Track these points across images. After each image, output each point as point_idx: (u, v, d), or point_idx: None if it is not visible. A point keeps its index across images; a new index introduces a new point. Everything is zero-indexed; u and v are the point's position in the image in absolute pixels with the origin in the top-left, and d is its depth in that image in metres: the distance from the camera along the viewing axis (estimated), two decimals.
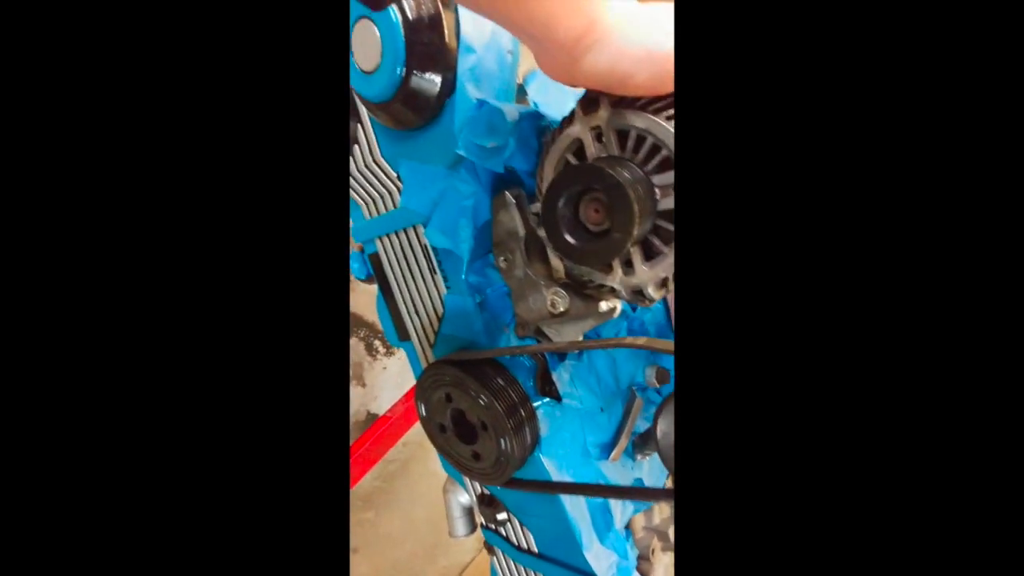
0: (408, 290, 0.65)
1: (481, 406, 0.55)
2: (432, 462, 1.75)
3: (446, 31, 0.42)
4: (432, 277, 0.61)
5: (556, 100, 0.56)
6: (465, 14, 0.43)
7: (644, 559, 0.74)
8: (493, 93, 0.46)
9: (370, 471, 1.48)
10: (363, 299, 1.64)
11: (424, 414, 0.62)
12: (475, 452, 0.58)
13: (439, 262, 0.59)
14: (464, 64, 0.44)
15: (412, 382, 1.82)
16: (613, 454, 0.64)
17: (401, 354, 1.78)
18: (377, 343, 1.67)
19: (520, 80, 0.53)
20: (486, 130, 0.43)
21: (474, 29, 0.43)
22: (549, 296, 0.47)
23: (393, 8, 0.42)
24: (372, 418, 1.62)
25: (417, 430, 1.71)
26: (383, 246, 0.65)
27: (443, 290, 0.60)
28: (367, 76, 0.46)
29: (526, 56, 0.48)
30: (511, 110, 0.42)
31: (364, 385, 1.64)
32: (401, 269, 0.64)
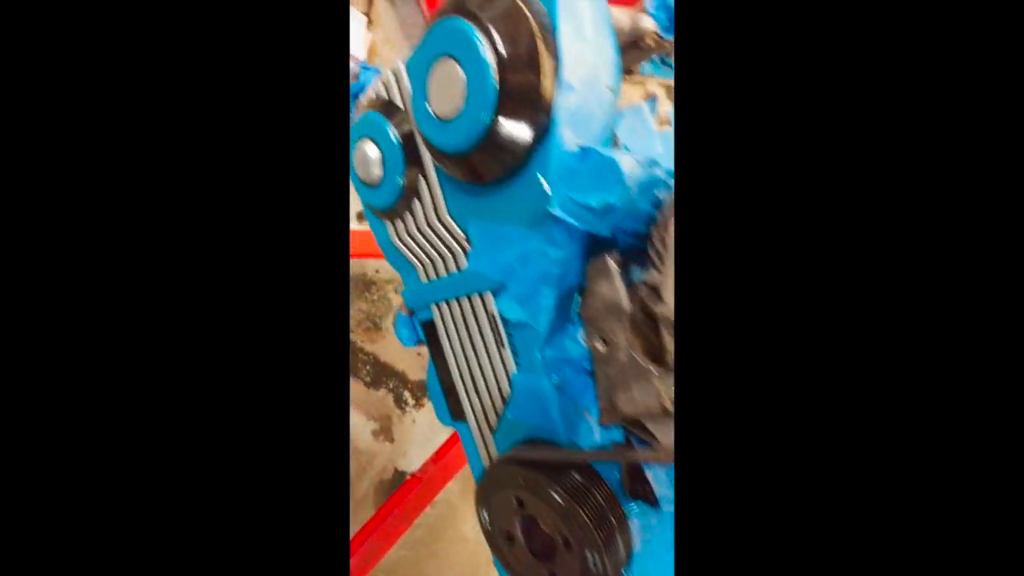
0: (468, 365, 0.55)
1: (561, 514, 0.45)
2: (464, 525, 1.61)
3: (544, 69, 0.34)
4: (499, 352, 0.51)
5: (645, 145, 0.48)
6: (567, 45, 0.35)
7: None
8: (593, 138, 0.38)
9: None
10: (393, 346, 1.56)
11: (487, 521, 0.51)
12: (552, 573, 0.47)
13: (509, 335, 0.50)
14: (561, 105, 0.36)
15: (443, 438, 1.70)
16: None
17: (432, 407, 1.68)
18: (407, 394, 1.58)
19: None
20: (593, 185, 0.35)
21: (574, 63, 0.35)
22: (663, 389, 0.37)
23: (481, 42, 0.35)
24: (400, 477, 1.50)
25: (448, 489, 1.57)
26: (440, 313, 0.56)
27: (512, 368, 0.51)
28: (443, 123, 0.39)
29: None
30: (628, 161, 0.33)
31: (392, 440, 1.53)
32: (460, 341, 0.55)
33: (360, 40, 1.57)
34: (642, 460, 0.37)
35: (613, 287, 0.38)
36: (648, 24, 0.36)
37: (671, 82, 0.56)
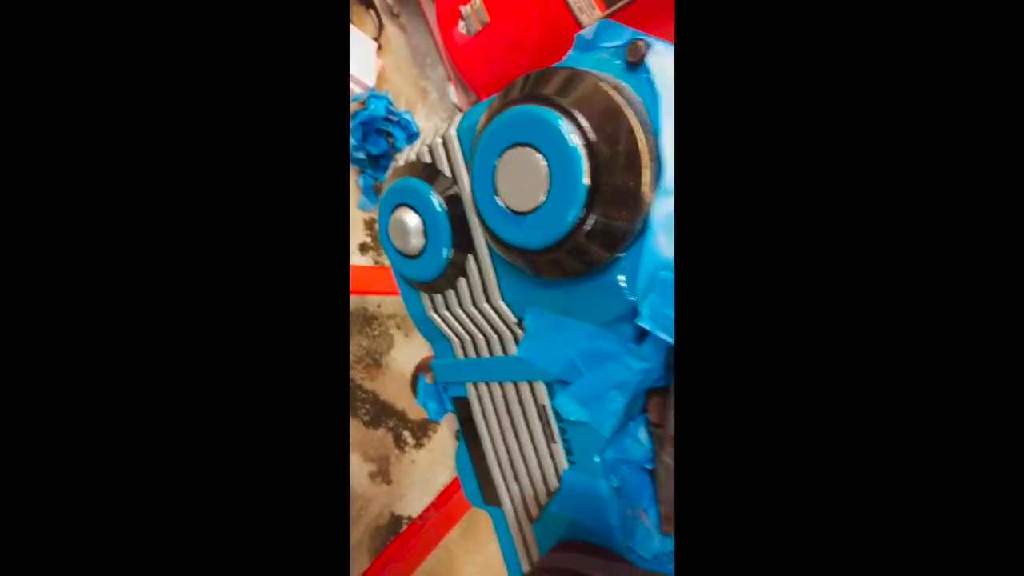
0: (508, 453, 0.51)
1: None
2: (462, 572, 1.53)
3: (645, 173, 0.31)
4: (548, 446, 0.47)
5: None
6: (667, 145, 0.31)
7: None
8: None
9: None
10: (394, 384, 1.50)
11: None
12: None
13: (562, 430, 0.45)
14: (660, 210, 0.32)
15: (444, 479, 1.63)
16: None
17: (432, 445, 1.61)
18: (406, 434, 1.51)
19: None
20: None
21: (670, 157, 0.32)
22: None
23: (567, 130, 0.31)
24: (397, 521, 1.43)
25: (448, 536, 1.51)
26: (478, 394, 0.51)
27: (562, 463, 0.47)
28: (516, 216, 0.35)
29: None
30: None
31: (390, 482, 1.46)
32: (502, 427, 0.50)
33: (370, 66, 1.53)
34: None
35: None
36: None
37: None
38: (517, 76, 0.35)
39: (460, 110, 1.75)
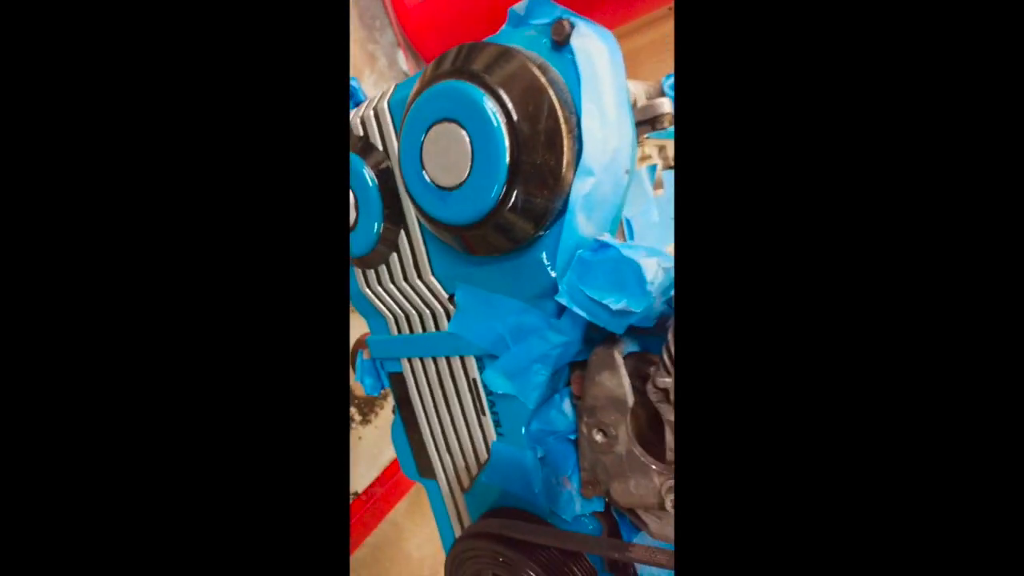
0: (442, 426, 0.52)
1: None
2: (408, 543, 1.56)
3: (565, 152, 0.31)
4: (479, 419, 0.48)
5: (644, 212, 0.46)
6: (589, 127, 0.32)
7: None
8: (602, 223, 0.35)
9: None
10: None
11: None
12: None
13: (491, 403, 0.47)
14: (579, 189, 0.33)
15: (390, 455, 1.64)
16: None
17: (379, 422, 1.61)
18: (352, 411, 1.50)
19: None
20: (610, 285, 0.32)
21: (596, 147, 0.33)
22: (663, 487, 0.35)
23: (491, 109, 0.31)
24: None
25: (395, 508, 1.52)
26: (412, 369, 0.52)
27: (492, 436, 0.48)
28: (442, 192, 0.35)
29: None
30: (652, 266, 0.31)
31: None
32: (435, 401, 0.51)
33: None
34: (637, 561, 0.35)
35: (618, 381, 0.36)
36: (666, 107, 0.34)
37: (664, 142, 0.55)
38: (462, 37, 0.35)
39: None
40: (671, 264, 0.32)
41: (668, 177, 0.57)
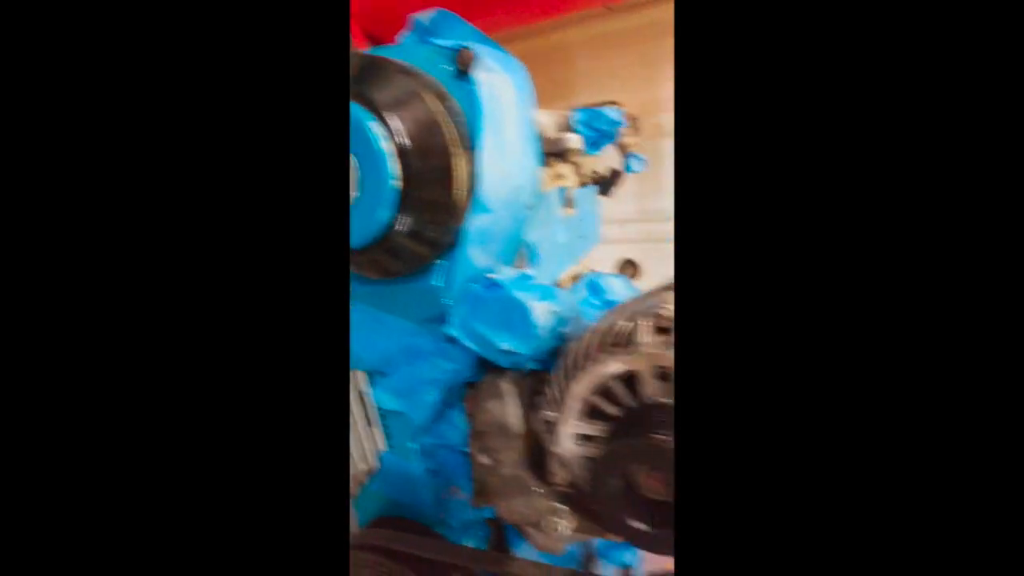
0: None
1: None
2: None
3: (457, 186, 0.31)
4: (367, 429, 0.47)
5: (552, 234, 0.47)
6: (489, 162, 0.32)
7: None
8: (499, 254, 0.35)
9: None
10: None
11: None
12: None
13: (382, 415, 0.46)
14: (475, 224, 0.32)
15: None
16: None
17: None
18: None
19: None
20: (499, 323, 0.33)
21: (495, 184, 0.32)
22: (546, 510, 0.37)
23: (380, 136, 0.30)
24: None
25: None
26: None
27: (381, 445, 0.48)
28: None
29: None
30: (542, 310, 0.32)
31: None
32: None
33: None
34: (515, 574, 0.37)
35: (504, 410, 0.37)
36: (573, 142, 0.34)
37: (581, 160, 0.56)
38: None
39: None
40: (563, 307, 0.33)
41: (580, 196, 0.58)
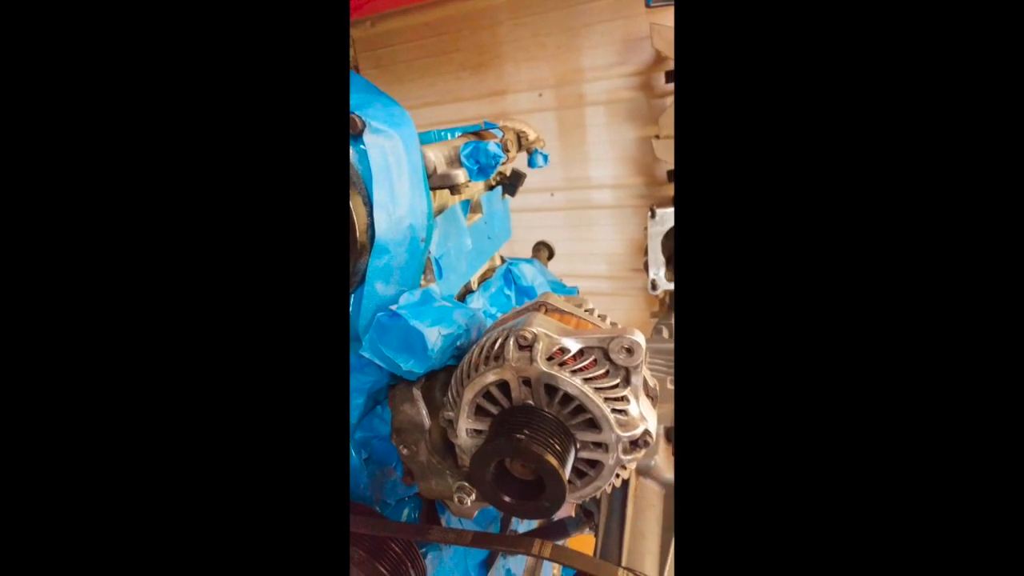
0: None
1: (363, 570, 0.52)
2: None
3: (358, 234, 0.36)
4: None
5: (458, 244, 0.53)
6: (380, 213, 0.37)
7: None
8: (402, 283, 0.42)
9: None
10: None
11: None
12: None
13: None
14: (375, 264, 0.38)
15: None
16: (490, 572, 0.67)
17: None
18: None
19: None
20: (400, 347, 0.39)
21: (389, 228, 0.38)
22: (455, 487, 0.46)
23: None
24: None
25: None
26: None
27: None
28: None
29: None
30: (433, 335, 0.38)
31: None
32: None
33: None
34: (446, 542, 0.46)
35: (416, 410, 0.44)
36: (461, 177, 0.40)
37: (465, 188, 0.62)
38: None
39: None
40: (452, 328, 0.40)
41: (486, 200, 0.64)
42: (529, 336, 0.36)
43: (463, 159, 0.44)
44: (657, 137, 1.37)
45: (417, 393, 0.43)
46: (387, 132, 0.37)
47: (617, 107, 1.51)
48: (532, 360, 0.36)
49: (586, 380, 0.36)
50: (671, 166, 1.42)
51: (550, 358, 0.36)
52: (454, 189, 0.41)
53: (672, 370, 0.67)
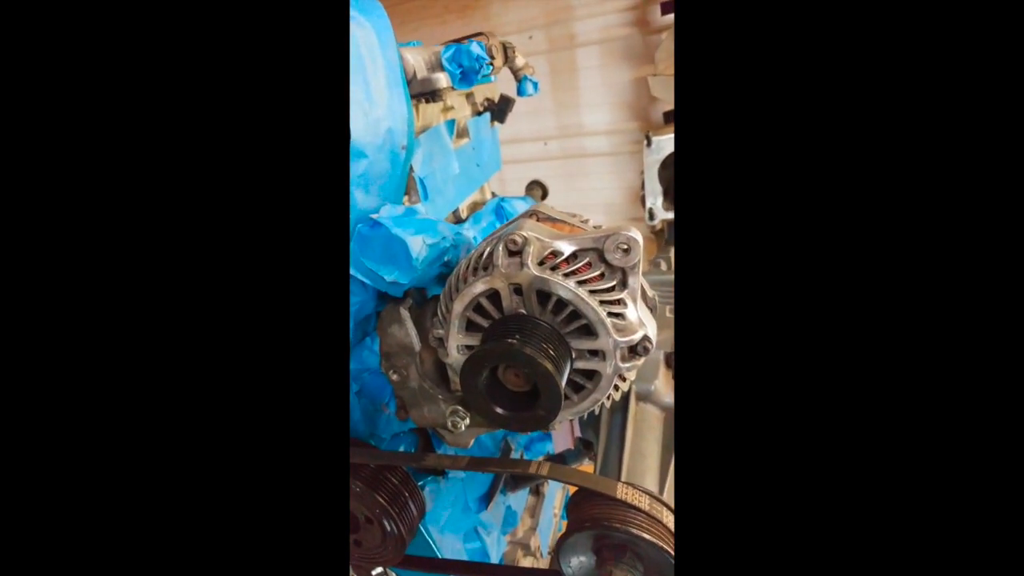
0: None
1: (361, 501, 0.52)
2: None
3: None
4: None
5: (444, 166, 0.50)
6: (357, 110, 0.34)
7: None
8: (383, 195, 0.39)
9: None
10: None
11: None
12: (357, 541, 0.55)
13: None
14: (354, 170, 0.36)
15: None
16: (490, 506, 0.68)
17: None
18: None
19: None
20: (383, 258, 0.37)
21: (366, 130, 0.35)
22: (448, 412, 0.44)
23: None
24: None
25: None
26: None
27: None
28: None
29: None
30: (417, 243, 0.36)
31: None
32: None
33: None
34: (441, 467, 0.45)
35: (405, 331, 0.42)
36: (443, 82, 0.37)
37: (471, 90, 0.57)
38: None
39: None
40: (438, 238, 0.38)
41: (473, 125, 0.60)
42: (520, 240, 0.34)
43: (444, 62, 0.40)
44: (654, 75, 1.31)
45: (405, 313, 0.41)
46: (358, 20, 0.34)
47: (611, 46, 1.44)
48: (523, 265, 0.33)
49: (580, 283, 0.34)
50: (669, 106, 1.37)
51: (542, 262, 0.34)
52: (435, 96, 0.38)
53: (672, 301, 0.66)
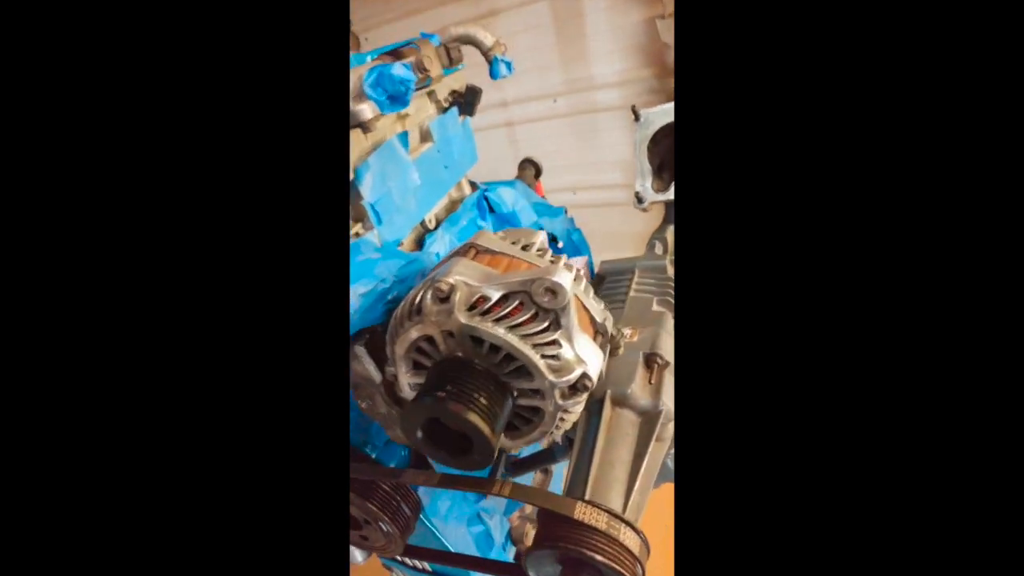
0: None
1: (358, 507, 0.55)
2: None
3: None
4: None
5: (402, 181, 0.49)
6: None
7: (518, 542, 0.86)
8: None
9: None
10: None
11: None
12: (363, 536, 0.59)
13: None
14: None
15: None
16: (487, 499, 0.71)
17: None
18: None
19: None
20: None
21: None
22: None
23: None
24: None
25: None
26: None
27: None
28: None
29: None
30: (354, 295, 0.36)
31: None
32: None
33: None
34: (411, 483, 0.47)
35: (364, 367, 0.43)
36: (366, 113, 0.35)
37: (432, 87, 0.55)
38: None
39: None
40: (374, 283, 0.37)
41: (439, 124, 0.58)
42: (445, 288, 0.33)
43: (367, 89, 0.38)
44: (663, 17, 1.20)
45: (360, 350, 0.42)
46: None
47: None
48: (451, 313, 0.33)
49: (511, 328, 0.33)
50: None
51: (472, 307, 0.33)
52: (364, 128, 0.37)
53: (661, 290, 0.63)
